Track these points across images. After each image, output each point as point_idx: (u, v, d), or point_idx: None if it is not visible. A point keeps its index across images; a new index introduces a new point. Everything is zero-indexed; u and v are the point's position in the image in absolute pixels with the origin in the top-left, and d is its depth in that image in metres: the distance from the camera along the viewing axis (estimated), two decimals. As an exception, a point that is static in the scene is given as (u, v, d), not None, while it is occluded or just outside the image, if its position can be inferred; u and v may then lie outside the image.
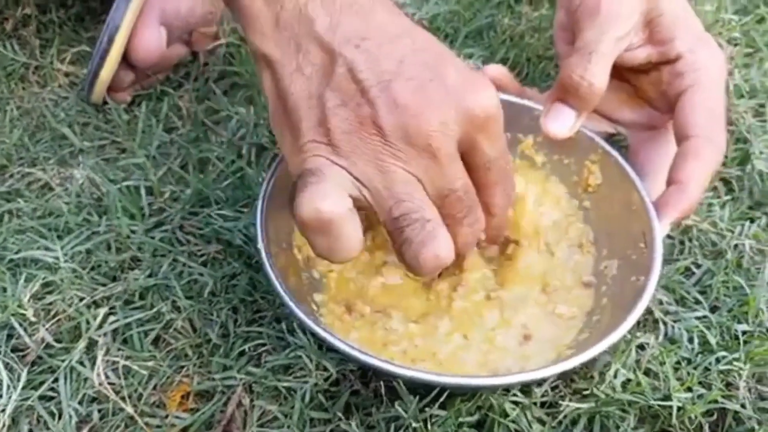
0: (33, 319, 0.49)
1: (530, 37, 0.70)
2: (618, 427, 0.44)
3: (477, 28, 0.71)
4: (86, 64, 0.66)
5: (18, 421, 0.45)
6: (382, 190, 0.38)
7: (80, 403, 0.46)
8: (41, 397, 0.46)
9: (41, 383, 0.46)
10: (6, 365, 0.47)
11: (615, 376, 0.46)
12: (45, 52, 0.70)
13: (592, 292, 0.49)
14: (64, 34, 0.72)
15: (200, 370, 0.48)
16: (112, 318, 0.49)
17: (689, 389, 0.46)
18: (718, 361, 0.47)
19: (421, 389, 0.43)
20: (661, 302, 0.51)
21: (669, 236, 0.54)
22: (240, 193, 0.56)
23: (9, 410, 0.45)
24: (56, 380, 0.46)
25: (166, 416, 0.45)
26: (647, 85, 0.53)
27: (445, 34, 0.71)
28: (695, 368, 0.47)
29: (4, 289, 0.50)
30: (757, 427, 0.45)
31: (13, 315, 0.48)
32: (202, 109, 0.64)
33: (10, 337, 0.48)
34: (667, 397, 0.45)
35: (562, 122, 0.49)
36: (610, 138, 0.55)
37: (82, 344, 0.48)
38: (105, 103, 0.64)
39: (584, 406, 0.44)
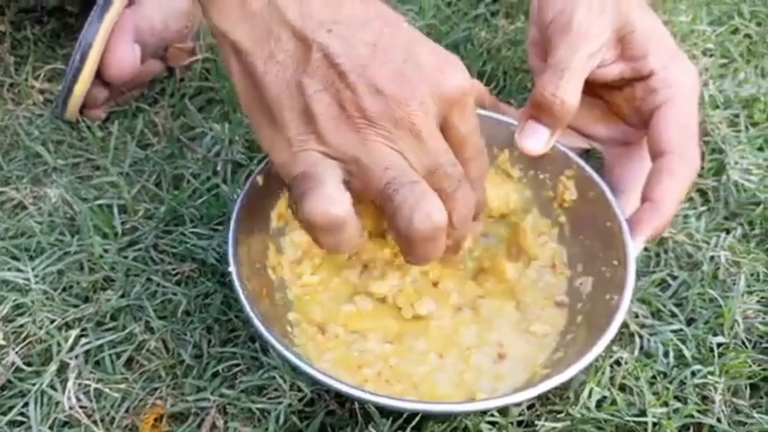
0: (2, 342, 0.48)
1: (507, 50, 0.71)
2: (594, 445, 0.44)
3: (454, 42, 0.71)
4: (61, 81, 0.66)
5: (-13, 447, 0.45)
6: (370, 165, 0.39)
7: (51, 427, 0.45)
8: (11, 423, 0.45)
9: (11, 408, 0.46)
10: (-25, 390, 0.46)
11: (590, 395, 0.45)
12: (20, 69, 0.70)
13: (566, 312, 0.49)
14: (39, 51, 0.71)
15: (174, 391, 0.47)
16: (83, 340, 0.48)
17: (665, 404, 0.46)
18: (693, 374, 0.47)
19: (395, 412, 0.43)
20: (637, 315, 0.51)
21: (645, 248, 0.54)
22: (215, 210, 0.56)
23: (-22, 436, 0.44)
24: (26, 405, 0.46)
25: (139, 439, 0.45)
26: (621, 102, 0.53)
27: (422, 47, 0.71)
28: (671, 382, 0.47)
29: (-26, 312, 0.49)
30: (732, 440, 0.45)
31: (-18, 338, 0.48)
32: (178, 125, 0.64)
33: (-21, 361, 0.48)
34: (643, 413, 0.45)
35: (536, 139, 0.49)
36: (585, 154, 0.55)
37: (53, 367, 0.47)
38: (81, 120, 0.64)
39: (560, 425, 0.44)
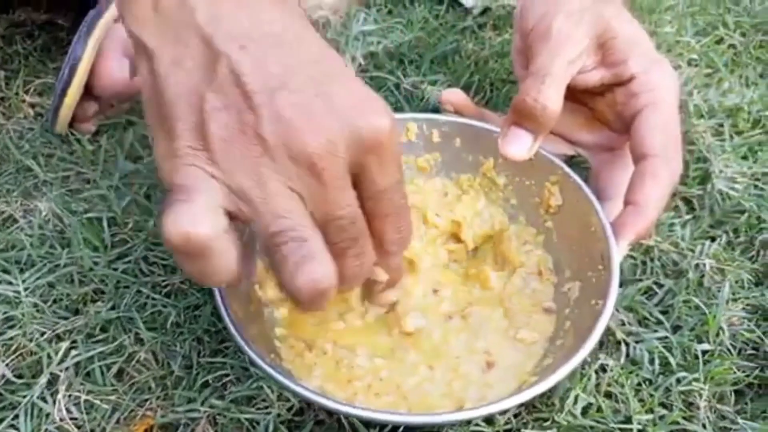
0: (-7, 355, 0.48)
1: (494, 61, 0.71)
2: (580, 451, 0.45)
3: (442, 54, 0.72)
4: (52, 95, 0.66)
5: (-23, 460, 0.45)
6: (260, 204, 0.35)
7: (41, 439, 0.45)
8: (1, 435, 0.46)
9: (1, 420, 0.46)
10: (-35, 403, 0.46)
11: (575, 402, 0.46)
12: (10, 84, 0.70)
13: (554, 318, 0.50)
14: (30, 65, 0.72)
15: (164, 402, 0.47)
16: (74, 352, 0.49)
17: (650, 411, 0.46)
18: (679, 381, 0.48)
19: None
20: (623, 323, 0.51)
21: (631, 256, 0.55)
22: (204, 222, 0.56)
23: (-32, 449, 0.45)
24: (17, 417, 0.46)
25: (129, 451, 0.45)
26: (603, 107, 0.53)
27: (411, 60, 0.72)
28: (656, 389, 0.47)
29: (-36, 325, 0.50)
30: (717, 447, 0.46)
31: (-28, 351, 0.48)
32: (168, 138, 0.64)
33: (-31, 374, 0.48)
34: (628, 420, 0.45)
35: (519, 145, 0.50)
36: (570, 160, 0.55)
37: (43, 379, 0.47)
38: (71, 133, 0.64)
39: (546, 432, 0.45)
